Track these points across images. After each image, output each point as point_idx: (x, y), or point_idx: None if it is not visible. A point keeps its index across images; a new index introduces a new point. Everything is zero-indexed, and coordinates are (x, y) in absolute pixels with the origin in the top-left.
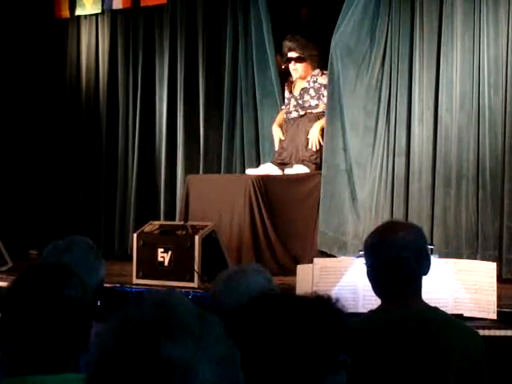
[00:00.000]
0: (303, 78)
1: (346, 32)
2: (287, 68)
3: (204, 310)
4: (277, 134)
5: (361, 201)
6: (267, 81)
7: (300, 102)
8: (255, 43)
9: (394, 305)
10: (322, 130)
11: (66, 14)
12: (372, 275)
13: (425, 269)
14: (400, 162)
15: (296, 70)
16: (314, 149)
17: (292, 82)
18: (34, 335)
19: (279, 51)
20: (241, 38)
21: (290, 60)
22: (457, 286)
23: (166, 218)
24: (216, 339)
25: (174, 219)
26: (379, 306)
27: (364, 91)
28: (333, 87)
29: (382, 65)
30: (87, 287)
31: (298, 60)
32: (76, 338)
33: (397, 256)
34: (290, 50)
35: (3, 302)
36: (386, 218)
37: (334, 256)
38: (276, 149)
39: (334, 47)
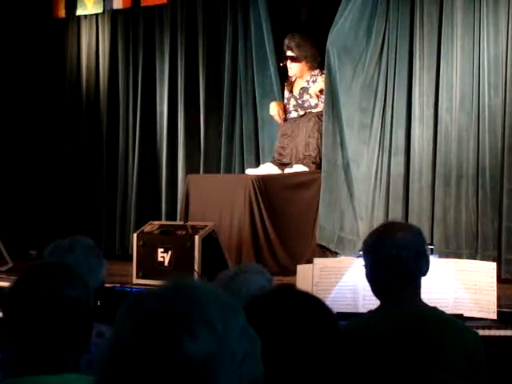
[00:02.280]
0: (298, 77)
1: (342, 30)
2: (286, 66)
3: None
4: (274, 108)
5: (357, 197)
6: (267, 81)
7: (299, 101)
8: (255, 43)
9: (392, 305)
10: (320, 91)
11: (61, 13)
12: (370, 275)
13: (423, 269)
14: (397, 160)
15: (291, 68)
16: (315, 96)
17: (292, 82)
18: (36, 335)
19: (279, 51)
20: (240, 37)
21: (286, 58)
22: (457, 286)
23: (167, 218)
24: (239, 333)
25: (175, 219)
26: (378, 306)
27: (360, 89)
28: (330, 84)
29: (379, 64)
30: (89, 287)
31: (292, 59)
32: (77, 339)
33: (395, 256)
34: (288, 48)
35: (5, 302)
36: (381, 215)
37: (332, 251)
38: (278, 124)
39: (330, 45)
